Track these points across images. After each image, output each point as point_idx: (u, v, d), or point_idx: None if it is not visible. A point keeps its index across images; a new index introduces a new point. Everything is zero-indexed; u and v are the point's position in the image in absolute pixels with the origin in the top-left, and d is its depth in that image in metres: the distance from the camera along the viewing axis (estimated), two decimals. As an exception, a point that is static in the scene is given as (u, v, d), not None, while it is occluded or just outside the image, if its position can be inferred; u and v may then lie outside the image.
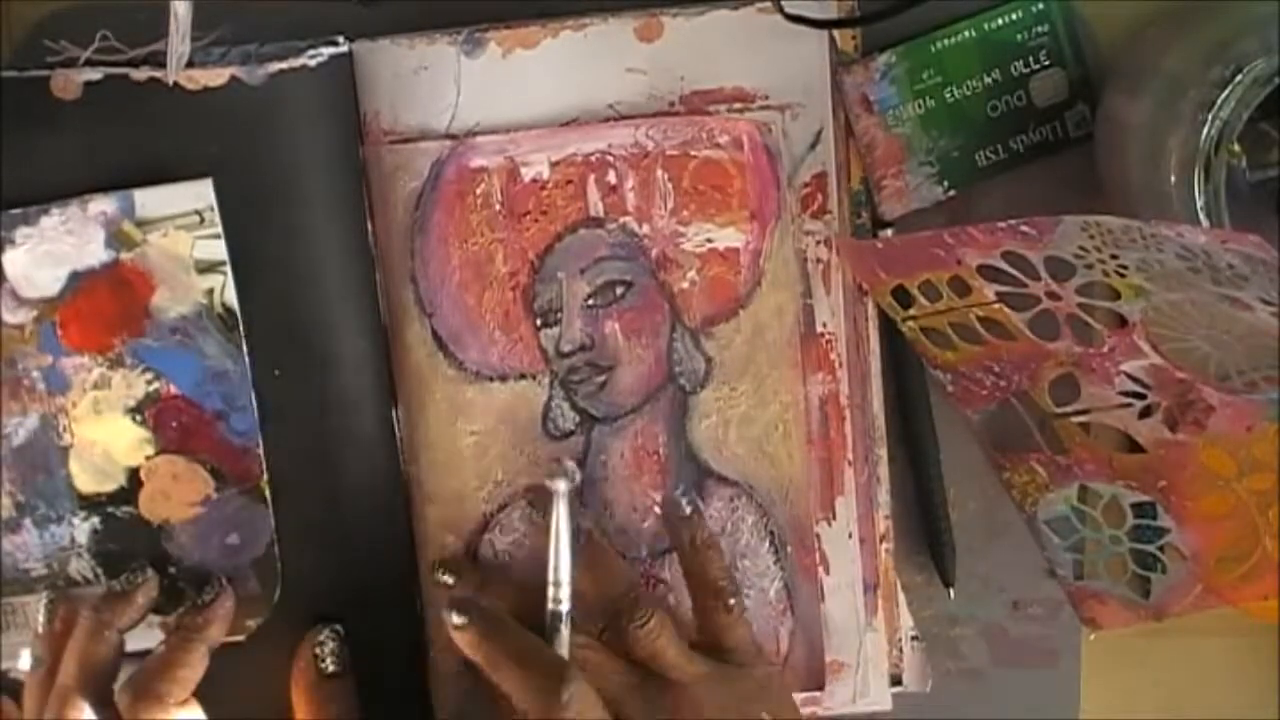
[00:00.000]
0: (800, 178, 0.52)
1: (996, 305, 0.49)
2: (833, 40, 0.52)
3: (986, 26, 0.52)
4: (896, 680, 0.55)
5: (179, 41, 0.50)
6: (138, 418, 0.52)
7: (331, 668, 0.52)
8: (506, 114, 0.52)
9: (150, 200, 0.51)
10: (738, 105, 0.52)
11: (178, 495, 0.52)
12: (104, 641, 0.50)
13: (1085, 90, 0.52)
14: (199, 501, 0.52)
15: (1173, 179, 0.46)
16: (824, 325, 0.53)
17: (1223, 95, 0.45)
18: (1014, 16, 0.51)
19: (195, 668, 0.50)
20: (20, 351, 0.52)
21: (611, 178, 0.52)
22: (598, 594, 0.50)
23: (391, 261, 0.53)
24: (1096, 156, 0.50)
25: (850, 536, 0.54)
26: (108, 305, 0.52)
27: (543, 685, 0.46)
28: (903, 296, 0.51)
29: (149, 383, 0.52)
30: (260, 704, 0.52)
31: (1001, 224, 0.46)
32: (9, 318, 0.52)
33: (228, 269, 0.51)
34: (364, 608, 0.53)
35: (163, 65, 0.51)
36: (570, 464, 0.50)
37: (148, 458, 0.52)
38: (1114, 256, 0.45)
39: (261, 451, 0.52)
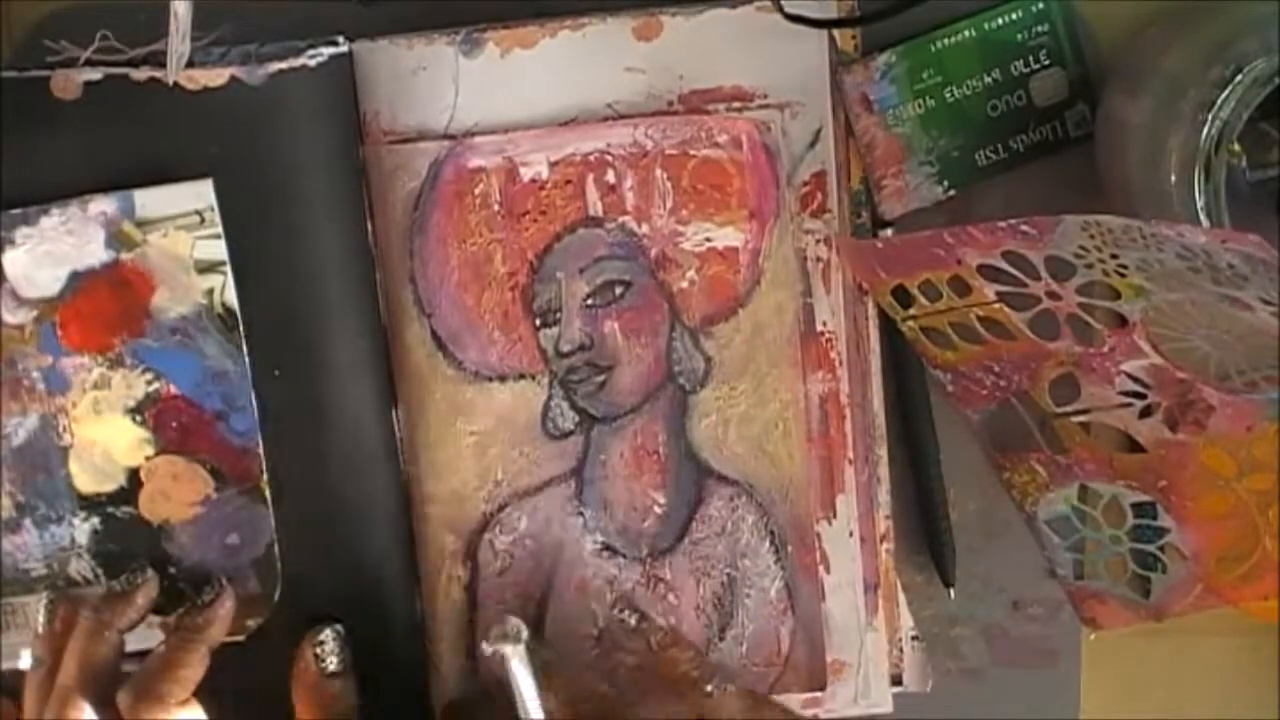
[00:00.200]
0: (800, 176, 0.52)
1: (996, 305, 0.49)
2: (832, 40, 0.52)
3: (986, 26, 0.52)
4: (897, 680, 0.55)
5: (179, 41, 0.50)
6: (138, 418, 0.52)
7: (332, 667, 0.52)
8: (505, 114, 0.52)
9: (150, 200, 0.51)
10: (737, 104, 0.52)
11: (178, 495, 0.52)
12: (104, 642, 0.50)
13: (1085, 90, 0.52)
14: (199, 501, 0.53)
15: (1173, 179, 0.46)
16: (824, 324, 0.53)
17: (1223, 95, 0.45)
18: (1014, 16, 0.51)
19: (195, 668, 0.50)
20: (20, 352, 0.52)
21: (610, 177, 0.52)
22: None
23: (391, 262, 0.53)
24: (1096, 156, 0.50)
25: (851, 535, 0.54)
26: (108, 305, 0.52)
27: None
28: (903, 296, 0.51)
29: (149, 383, 0.52)
30: (260, 704, 0.52)
31: (1001, 224, 0.46)
32: (9, 318, 0.52)
33: (228, 269, 0.51)
34: (364, 608, 0.53)
35: (163, 65, 0.51)
36: (514, 622, 0.49)
37: (148, 458, 0.52)
38: (1114, 256, 0.45)
39: (261, 451, 0.52)
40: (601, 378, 0.53)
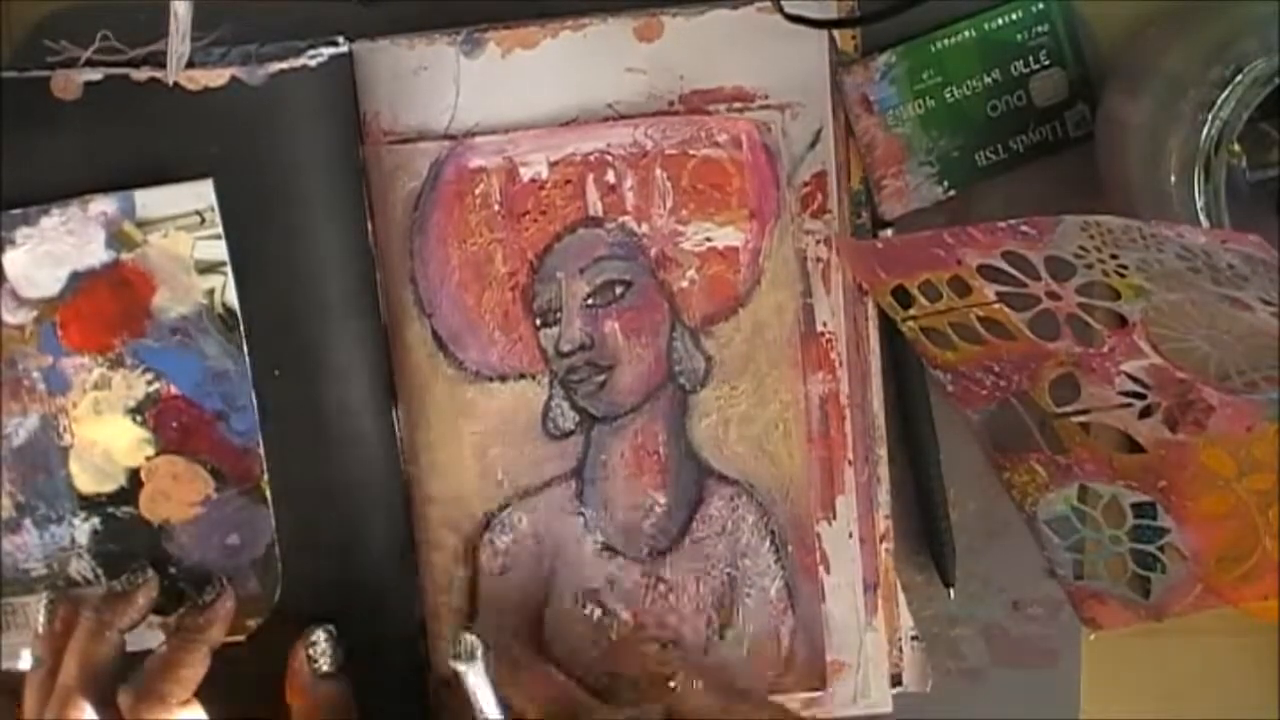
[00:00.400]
0: (800, 177, 0.52)
1: (996, 305, 0.49)
2: (833, 40, 0.52)
3: (986, 26, 0.52)
4: (896, 680, 0.55)
5: (179, 42, 0.50)
6: (138, 418, 0.52)
7: (325, 667, 0.52)
8: (506, 114, 0.52)
9: (151, 200, 0.51)
10: (737, 105, 0.52)
11: (178, 495, 0.52)
12: (105, 642, 0.50)
13: (1085, 90, 0.52)
14: (199, 502, 0.53)
15: (1173, 179, 0.46)
16: (824, 324, 0.53)
17: (1223, 95, 0.45)
18: (1014, 16, 0.51)
19: (196, 668, 0.50)
20: (20, 352, 0.52)
21: (610, 177, 0.52)
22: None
23: (391, 262, 0.53)
24: (1096, 156, 0.50)
25: (850, 536, 0.54)
26: (108, 306, 0.52)
27: None
28: (903, 296, 0.51)
29: (149, 383, 0.52)
30: (260, 704, 0.52)
31: (1001, 224, 0.46)
32: (9, 318, 0.52)
33: (228, 269, 0.51)
34: (364, 608, 0.53)
35: (163, 65, 0.51)
36: (470, 639, 0.48)
37: (148, 458, 0.52)
38: (1114, 256, 0.45)
39: (261, 451, 0.52)
40: (602, 377, 0.53)
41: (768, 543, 0.54)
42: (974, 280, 0.49)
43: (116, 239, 0.51)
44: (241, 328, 0.52)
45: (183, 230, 0.51)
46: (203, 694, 0.50)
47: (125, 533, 0.53)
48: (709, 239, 0.52)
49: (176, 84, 0.51)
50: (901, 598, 0.55)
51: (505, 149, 0.52)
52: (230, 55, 0.51)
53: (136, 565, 0.52)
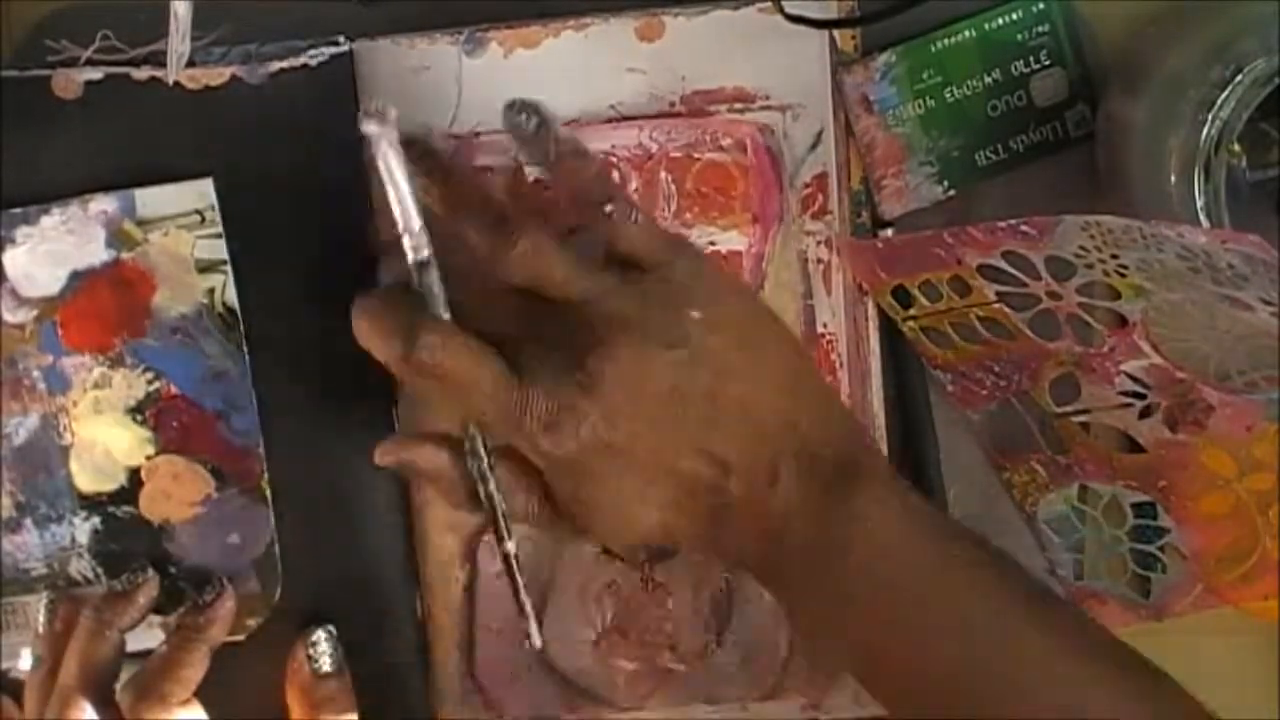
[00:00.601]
0: (801, 179, 0.52)
1: (997, 305, 0.50)
2: (833, 40, 0.52)
3: (987, 26, 0.52)
4: (897, 680, 0.55)
5: (179, 41, 0.50)
6: (138, 417, 0.52)
7: (325, 667, 0.52)
8: (508, 114, 0.52)
9: (151, 199, 0.51)
10: (739, 105, 0.52)
11: (178, 495, 0.52)
12: (105, 641, 0.49)
13: (1085, 90, 0.52)
14: (199, 501, 0.52)
15: (1173, 179, 0.46)
16: (824, 326, 0.53)
17: (1223, 95, 0.45)
18: (1014, 16, 0.51)
19: (197, 667, 0.50)
20: (21, 351, 0.52)
21: (615, 179, 0.52)
22: (457, 224, 0.44)
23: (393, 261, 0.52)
24: (1096, 156, 0.51)
25: (850, 536, 0.54)
26: (108, 305, 0.52)
27: (401, 342, 0.42)
28: (903, 296, 0.51)
29: (149, 382, 0.52)
30: (260, 704, 0.52)
31: (1001, 224, 0.46)
32: (9, 317, 0.52)
33: (228, 268, 0.51)
34: (364, 608, 0.53)
35: (163, 65, 0.51)
36: (380, 101, 0.42)
37: (148, 457, 0.52)
38: (1114, 256, 0.45)
39: (262, 451, 0.52)
40: (604, 377, 0.53)
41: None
42: (974, 280, 0.49)
43: (117, 238, 0.51)
44: (242, 327, 0.52)
45: (183, 229, 0.51)
46: (203, 694, 0.50)
47: (125, 532, 0.52)
48: (712, 243, 0.52)
49: (177, 83, 0.51)
50: (901, 598, 0.55)
51: (510, 148, 0.52)
52: (231, 54, 0.51)
53: (136, 565, 0.52)
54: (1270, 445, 0.50)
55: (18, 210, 0.51)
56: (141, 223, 0.51)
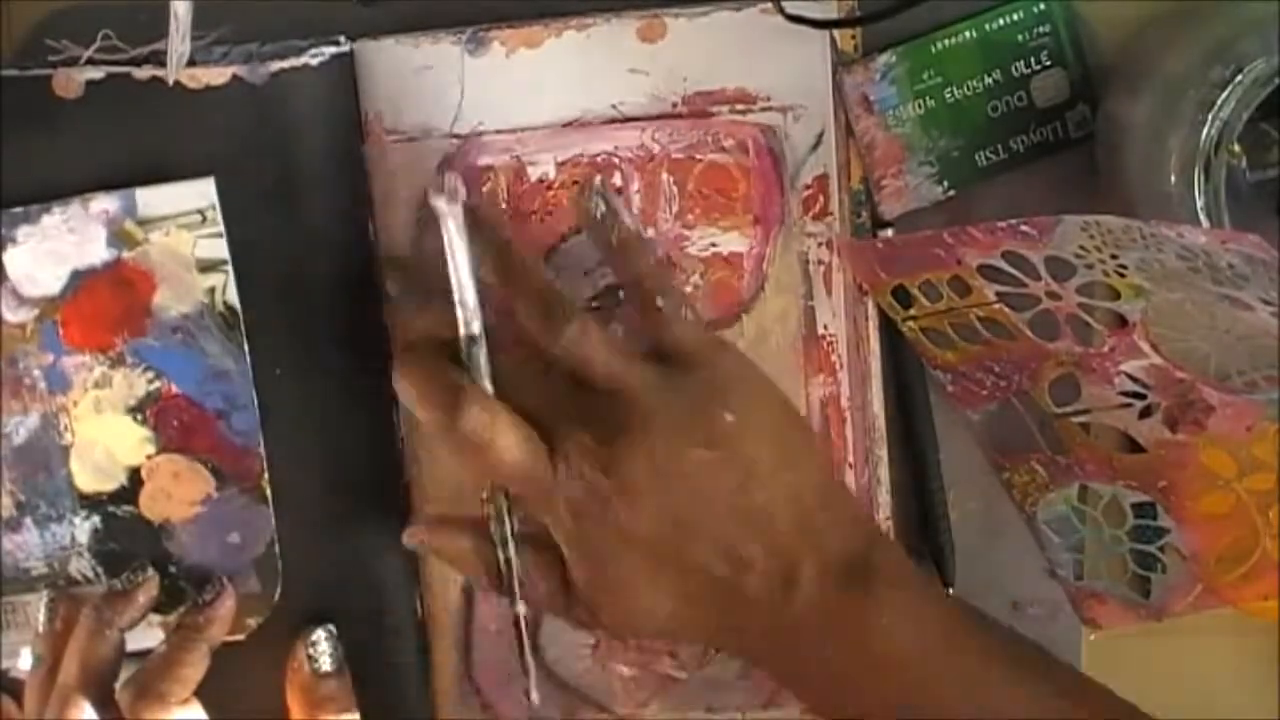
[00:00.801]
0: (802, 180, 0.52)
1: (996, 305, 0.50)
2: (833, 40, 0.52)
3: (987, 26, 0.52)
4: (897, 680, 0.55)
5: (180, 41, 0.50)
6: (139, 417, 0.52)
7: (325, 667, 0.52)
8: (510, 113, 0.52)
9: (152, 199, 0.51)
10: (740, 106, 0.52)
11: (178, 494, 0.52)
12: (105, 641, 0.49)
13: (1086, 90, 0.52)
14: (200, 501, 0.52)
15: (1173, 179, 0.46)
16: (825, 327, 0.53)
17: (1223, 95, 0.45)
18: (1015, 16, 0.51)
19: (197, 667, 0.50)
20: (21, 350, 0.52)
21: (617, 180, 0.52)
22: (513, 304, 0.46)
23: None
24: (1096, 156, 0.51)
25: (850, 537, 0.54)
26: (109, 304, 0.52)
27: (443, 409, 0.44)
28: (903, 296, 0.51)
29: (150, 382, 0.52)
30: (260, 703, 0.52)
31: (1001, 224, 0.46)
32: (10, 316, 0.52)
33: (229, 268, 0.51)
34: (364, 608, 0.53)
35: (164, 64, 0.51)
36: (452, 177, 0.45)
37: (149, 457, 0.52)
38: (1114, 256, 0.45)
39: (262, 451, 0.52)
40: (604, 378, 0.53)
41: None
42: (974, 280, 0.49)
43: (118, 237, 0.51)
44: (242, 326, 0.52)
45: (184, 229, 0.51)
46: (203, 694, 0.50)
47: (125, 532, 0.53)
48: (714, 244, 0.52)
49: (178, 83, 0.51)
50: (902, 598, 0.55)
51: (513, 148, 0.52)
52: (231, 54, 0.51)
53: (137, 564, 0.52)
54: (1270, 445, 0.50)
55: (19, 209, 0.51)
56: (142, 222, 0.51)
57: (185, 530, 0.52)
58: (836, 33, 0.51)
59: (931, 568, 0.55)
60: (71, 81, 0.51)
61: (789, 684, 0.48)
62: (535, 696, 0.48)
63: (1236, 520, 0.51)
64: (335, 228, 0.52)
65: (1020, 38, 0.52)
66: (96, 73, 0.51)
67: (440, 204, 0.45)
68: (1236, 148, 0.47)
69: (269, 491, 0.52)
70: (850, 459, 0.53)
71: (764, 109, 0.52)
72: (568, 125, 0.52)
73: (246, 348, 0.52)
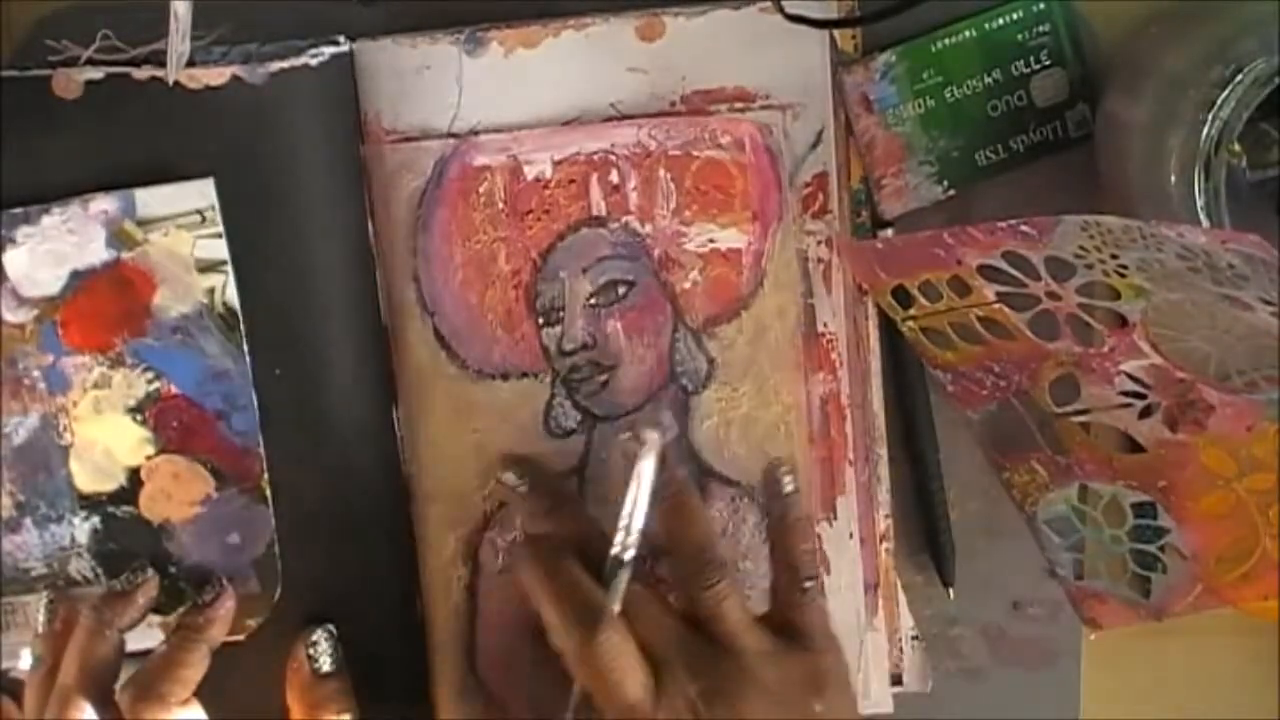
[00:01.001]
0: (801, 178, 0.52)
1: (996, 305, 0.50)
2: (833, 40, 0.52)
3: (987, 26, 0.52)
4: (897, 680, 0.55)
5: (179, 41, 0.50)
6: (138, 417, 0.52)
7: (325, 667, 0.52)
8: (509, 113, 0.52)
9: (151, 199, 0.51)
10: (739, 105, 0.52)
11: (178, 495, 0.52)
12: (105, 641, 0.49)
13: (1085, 90, 0.52)
14: (199, 501, 0.52)
15: (1173, 179, 0.46)
16: (825, 325, 0.53)
17: (1223, 95, 0.45)
18: (1015, 16, 0.51)
19: (196, 667, 0.50)
20: (21, 351, 0.52)
21: (614, 177, 0.52)
22: (674, 547, 0.50)
23: (393, 260, 0.53)
24: (1096, 156, 0.51)
25: (851, 536, 0.54)
26: (109, 305, 0.52)
27: (580, 624, 0.46)
28: (903, 296, 0.51)
29: (149, 382, 0.52)
30: (260, 703, 0.52)
31: (1001, 224, 0.46)
32: (10, 317, 0.52)
33: (229, 268, 0.51)
34: (364, 608, 0.53)
35: (164, 64, 0.51)
36: (668, 416, 0.50)
37: (148, 457, 0.52)
38: (1114, 256, 0.45)
39: (262, 451, 0.52)
40: (604, 377, 0.53)
41: (769, 545, 0.54)
42: (974, 280, 0.49)
43: (117, 238, 0.51)
44: (242, 327, 0.52)
45: (183, 229, 0.51)
46: (203, 694, 0.50)
47: (125, 532, 0.52)
48: (712, 240, 0.52)
49: (177, 83, 0.51)
50: (902, 598, 0.55)
51: (510, 147, 0.52)
52: (231, 54, 0.52)
53: (136, 565, 0.52)
54: (1270, 445, 0.50)
55: (18, 210, 0.51)
56: (142, 223, 0.51)
57: (185, 531, 0.52)
58: (836, 32, 0.51)
59: (931, 568, 0.55)
60: (71, 82, 0.51)
61: None
62: None
63: (1236, 520, 0.51)
64: (335, 227, 0.52)
65: (1020, 37, 0.52)
66: (96, 73, 0.51)
67: (653, 436, 0.48)
68: (1236, 148, 0.47)
69: (269, 492, 0.52)
70: (850, 457, 0.54)
71: (763, 107, 0.52)
72: (566, 124, 0.52)
73: (246, 348, 0.52)
